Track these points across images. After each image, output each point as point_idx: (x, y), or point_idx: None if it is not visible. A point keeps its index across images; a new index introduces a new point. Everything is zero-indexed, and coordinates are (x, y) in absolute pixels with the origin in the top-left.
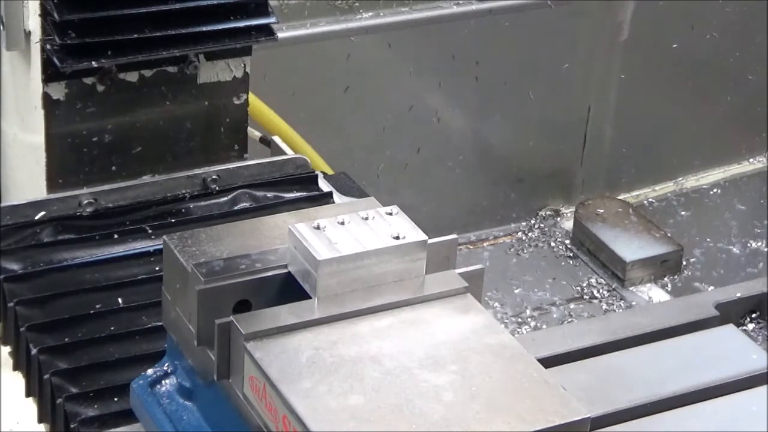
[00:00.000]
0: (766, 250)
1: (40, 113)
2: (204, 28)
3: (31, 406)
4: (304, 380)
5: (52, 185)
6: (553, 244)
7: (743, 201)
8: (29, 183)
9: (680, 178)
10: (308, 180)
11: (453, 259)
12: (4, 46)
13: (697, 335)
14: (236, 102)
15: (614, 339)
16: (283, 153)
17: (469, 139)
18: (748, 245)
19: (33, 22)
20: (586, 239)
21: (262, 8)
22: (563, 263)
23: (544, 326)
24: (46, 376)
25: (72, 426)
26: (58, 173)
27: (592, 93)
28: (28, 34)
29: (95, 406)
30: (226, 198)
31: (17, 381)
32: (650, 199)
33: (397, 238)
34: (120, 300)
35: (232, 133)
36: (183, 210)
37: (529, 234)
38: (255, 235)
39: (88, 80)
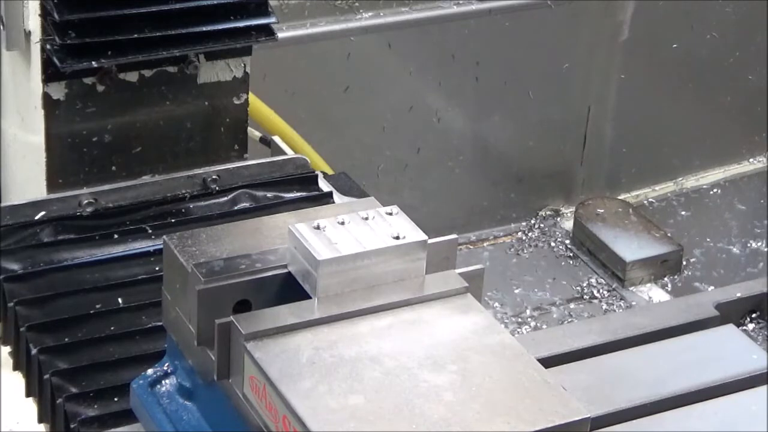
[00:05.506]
0: (766, 250)
1: (40, 113)
2: (204, 28)
3: (31, 406)
4: (304, 380)
5: (52, 185)
6: (553, 244)
7: (743, 201)
8: (29, 183)
9: (680, 178)
10: (308, 180)
11: (453, 259)
12: (4, 46)
13: (697, 335)
14: (236, 102)
15: (614, 339)
16: (283, 153)
17: (469, 139)
18: (748, 245)
19: (33, 22)
20: (586, 239)
21: (262, 8)
22: (563, 263)
23: (544, 326)
24: (46, 376)
25: (72, 426)
26: (58, 173)
27: (592, 93)
28: (28, 34)
29: (95, 406)
30: (226, 198)
31: (17, 381)
32: (650, 199)
33: (397, 238)
34: (120, 300)
35: (232, 133)
36: (183, 210)
37: (529, 234)
38: (255, 235)
39: (88, 80)
